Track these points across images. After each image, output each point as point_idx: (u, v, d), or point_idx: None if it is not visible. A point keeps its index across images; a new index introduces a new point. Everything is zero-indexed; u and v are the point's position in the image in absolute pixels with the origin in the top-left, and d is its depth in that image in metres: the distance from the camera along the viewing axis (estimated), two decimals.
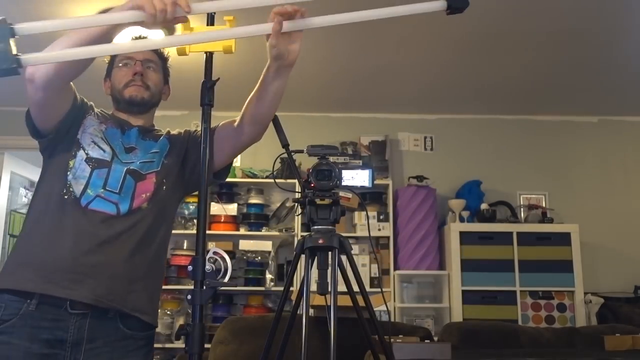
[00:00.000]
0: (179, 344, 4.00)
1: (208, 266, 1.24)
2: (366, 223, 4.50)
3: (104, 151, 1.59)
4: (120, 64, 1.72)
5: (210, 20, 1.48)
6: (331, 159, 1.83)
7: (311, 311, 2.05)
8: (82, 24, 1.35)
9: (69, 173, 1.55)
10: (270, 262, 4.48)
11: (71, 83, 1.56)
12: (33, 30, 1.17)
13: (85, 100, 1.68)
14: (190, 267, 1.22)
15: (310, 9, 1.39)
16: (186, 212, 4.37)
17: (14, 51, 1.13)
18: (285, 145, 2.05)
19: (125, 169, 1.59)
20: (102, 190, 1.54)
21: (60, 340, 1.44)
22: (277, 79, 1.56)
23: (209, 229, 4.27)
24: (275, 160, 2.19)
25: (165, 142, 1.71)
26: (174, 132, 1.77)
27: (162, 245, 1.65)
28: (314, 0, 1.35)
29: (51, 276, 1.45)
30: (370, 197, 4.65)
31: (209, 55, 1.42)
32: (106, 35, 1.37)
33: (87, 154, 1.58)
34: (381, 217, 4.58)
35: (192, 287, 1.22)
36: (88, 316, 1.47)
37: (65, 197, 1.53)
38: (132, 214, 1.56)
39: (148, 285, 1.58)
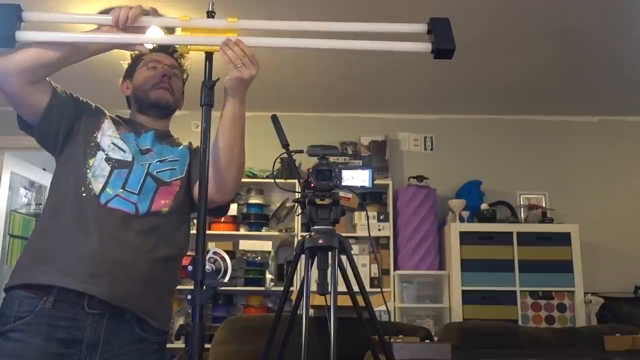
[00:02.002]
0: (179, 344, 4.00)
1: (208, 266, 1.24)
2: (366, 223, 4.53)
3: (124, 152, 1.59)
4: (147, 66, 1.73)
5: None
6: (331, 159, 1.83)
7: (311, 311, 2.05)
8: (77, 19, 1.45)
9: (88, 171, 1.55)
10: (270, 262, 4.48)
11: (49, 81, 1.56)
12: (38, 18, 1.43)
13: (90, 102, 1.68)
14: (190, 267, 1.22)
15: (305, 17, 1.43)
16: None
17: (14, 29, 1.37)
18: (285, 145, 2.06)
19: (146, 171, 1.59)
20: (121, 190, 1.54)
21: (76, 341, 1.43)
22: (225, 103, 1.57)
23: (209, 229, 4.27)
24: (275, 160, 2.19)
25: (186, 152, 1.71)
26: (195, 145, 1.76)
27: (178, 257, 1.64)
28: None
29: (70, 269, 1.44)
30: (370, 197, 4.65)
31: (209, 55, 1.42)
32: (76, 52, 1.50)
33: (106, 154, 1.58)
34: (381, 217, 4.58)
35: (192, 287, 1.22)
36: (105, 317, 1.46)
37: (84, 194, 1.52)
38: (151, 216, 1.56)
39: (161, 292, 1.58)
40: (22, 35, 1.39)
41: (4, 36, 1.37)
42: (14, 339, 1.41)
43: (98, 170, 1.55)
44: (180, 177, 1.65)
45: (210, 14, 1.47)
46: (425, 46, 1.43)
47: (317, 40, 1.44)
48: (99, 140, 1.60)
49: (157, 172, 1.62)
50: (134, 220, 1.53)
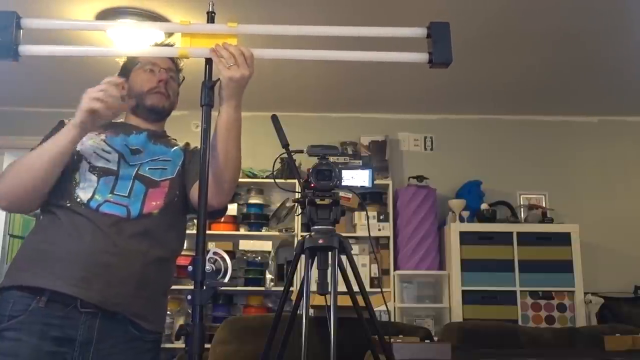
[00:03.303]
0: (179, 344, 4.00)
1: (208, 266, 1.24)
2: (366, 223, 4.53)
3: (108, 160, 1.58)
4: (144, 69, 1.71)
5: (211, 20, 1.47)
6: (331, 159, 1.83)
7: (311, 311, 2.05)
8: (77, 26, 1.43)
9: (77, 188, 1.54)
10: (270, 262, 4.48)
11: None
12: (37, 26, 1.40)
13: (59, 124, 1.63)
14: (190, 267, 1.22)
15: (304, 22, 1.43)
16: None
17: (16, 41, 1.34)
18: (285, 145, 2.06)
19: (134, 173, 1.59)
20: (110, 195, 1.54)
21: (70, 339, 1.44)
22: (219, 108, 1.54)
23: (209, 229, 4.26)
24: (275, 160, 2.19)
25: (179, 153, 1.70)
26: (191, 146, 1.76)
27: (171, 258, 1.64)
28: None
29: (61, 273, 1.44)
30: (370, 197, 4.65)
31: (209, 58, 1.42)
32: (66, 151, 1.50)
33: (89, 163, 1.57)
34: (381, 217, 4.58)
35: (192, 287, 1.22)
36: (98, 316, 1.46)
37: (78, 206, 1.52)
38: (143, 218, 1.55)
39: (154, 294, 1.58)
40: (25, 49, 1.37)
41: (5, 48, 1.34)
42: (8, 337, 1.42)
43: (86, 183, 1.54)
44: (170, 177, 1.64)
45: (211, 14, 1.46)
46: (422, 57, 1.43)
47: (315, 51, 1.44)
48: (78, 149, 1.58)
49: (148, 169, 1.61)
50: (126, 224, 1.52)
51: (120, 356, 1.49)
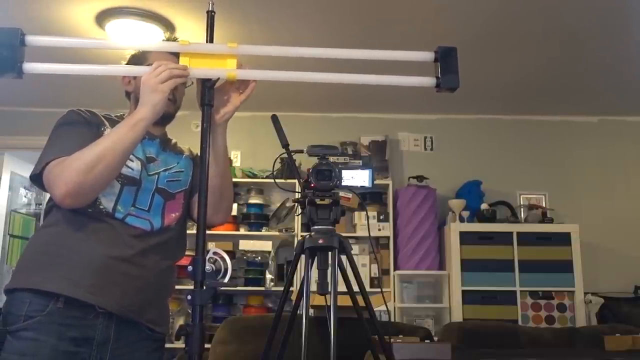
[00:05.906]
0: (179, 344, 4.00)
1: (208, 266, 1.24)
2: (366, 223, 4.53)
3: (132, 169, 1.56)
4: None
5: (210, 38, 1.46)
6: (331, 159, 1.83)
7: (311, 311, 2.05)
8: (86, 44, 1.47)
9: (99, 194, 1.51)
10: (270, 262, 4.48)
11: None
12: (41, 43, 1.39)
13: (81, 112, 1.59)
14: (190, 267, 1.22)
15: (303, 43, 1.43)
16: None
17: (19, 59, 1.34)
18: (285, 145, 2.05)
19: (154, 187, 1.59)
20: (132, 208, 1.55)
21: (87, 339, 1.45)
22: (217, 136, 1.58)
23: (209, 229, 4.26)
24: (275, 160, 2.19)
25: (189, 163, 1.72)
26: (194, 151, 1.77)
27: (176, 265, 1.68)
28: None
29: (78, 279, 1.44)
30: (370, 197, 4.65)
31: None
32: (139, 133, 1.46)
33: None
34: (381, 217, 4.58)
35: (192, 287, 1.22)
36: (114, 315, 1.48)
37: (100, 214, 1.51)
38: (164, 231, 1.59)
39: (162, 300, 1.64)
40: (30, 67, 1.35)
41: (10, 65, 1.33)
42: (25, 337, 1.41)
43: (109, 190, 1.52)
44: (184, 189, 1.67)
45: (210, 14, 1.46)
46: (429, 81, 1.44)
47: (321, 74, 1.45)
48: None
49: (166, 182, 1.63)
50: (148, 237, 1.55)
51: (134, 355, 1.53)
